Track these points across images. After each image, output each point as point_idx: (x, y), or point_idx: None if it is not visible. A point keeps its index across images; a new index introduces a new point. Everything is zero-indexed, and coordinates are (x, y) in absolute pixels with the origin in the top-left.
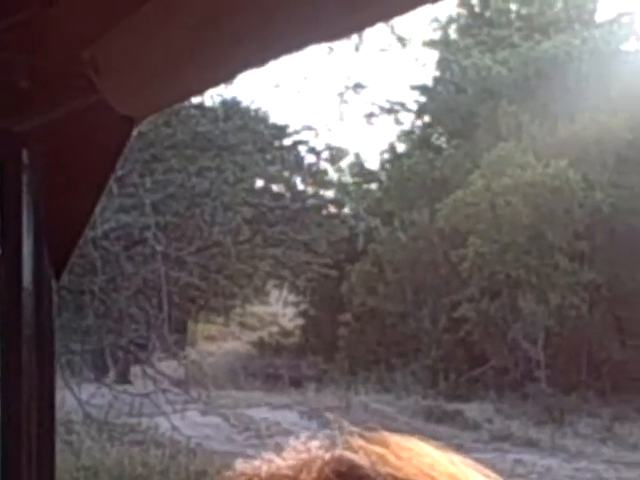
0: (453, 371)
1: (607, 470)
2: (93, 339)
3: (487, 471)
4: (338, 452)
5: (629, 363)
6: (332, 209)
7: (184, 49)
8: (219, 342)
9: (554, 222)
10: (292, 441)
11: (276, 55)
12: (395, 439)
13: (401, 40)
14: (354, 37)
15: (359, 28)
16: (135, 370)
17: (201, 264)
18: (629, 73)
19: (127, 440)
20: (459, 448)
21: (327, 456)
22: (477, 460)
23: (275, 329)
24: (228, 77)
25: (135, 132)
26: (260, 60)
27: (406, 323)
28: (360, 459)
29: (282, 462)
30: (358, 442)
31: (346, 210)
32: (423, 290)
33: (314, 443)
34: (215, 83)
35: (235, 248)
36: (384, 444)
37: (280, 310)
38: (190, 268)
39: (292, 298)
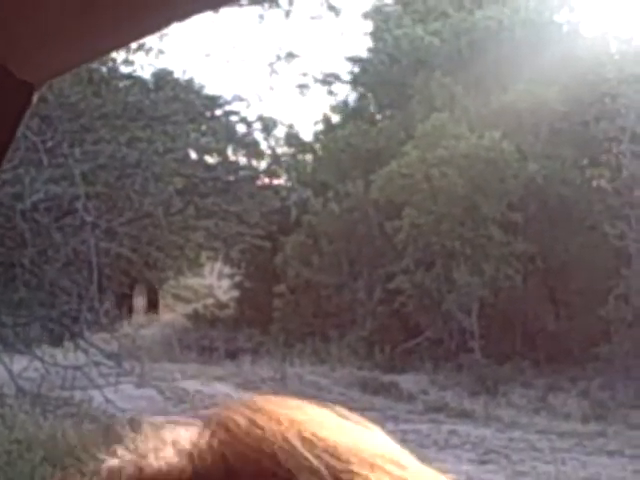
0: (388, 342)
1: (540, 440)
2: (24, 312)
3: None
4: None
5: (563, 333)
6: (265, 180)
7: (83, 11)
8: (153, 314)
9: (488, 193)
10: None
11: (182, 17)
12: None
13: (333, 9)
14: (284, 4)
15: None
16: (67, 344)
17: (132, 235)
18: (562, 44)
19: (61, 413)
20: (394, 419)
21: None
22: (412, 431)
23: (210, 301)
24: (129, 40)
25: (35, 98)
26: (165, 21)
27: (341, 295)
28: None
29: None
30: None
31: (279, 181)
32: (358, 262)
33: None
34: (115, 46)
35: (167, 219)
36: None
37: (215, 282)
38: (121, 239)
39: (227, 270)
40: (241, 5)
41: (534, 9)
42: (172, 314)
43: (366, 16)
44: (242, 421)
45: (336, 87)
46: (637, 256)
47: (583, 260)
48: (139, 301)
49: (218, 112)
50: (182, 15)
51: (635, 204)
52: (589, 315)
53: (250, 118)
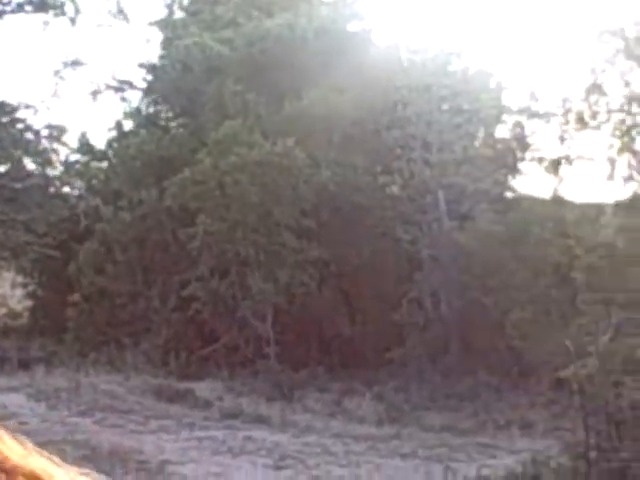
0: (184, 350)
1: (335, 444)
2: None
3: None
4: None
5: (358, 338)
6: (59, 189)
7: None
8: None
9: (281, 200)
10: None
11: None
12: None
13: (123, 15)
14: (70, 11)
15: None
16: None
17: None
18: (355, 52)
19: None
20: (190, 426)
21: None
22: (208, 438)
23: (3, 311)
24: None
25: None
26: None
27: (136, 303)
28: None
29: None
30: None
31: (69, 190)
32: (152, 269)
33: None
34: None
35: None
36: None
37: (8, 292)
38: None
39: (20, 279)
40: (26, 12)
41: (327, 17)
42: None
43: (153, 25)
44: None
45: (129, 94)
46: (428, 261)
47: (376, 265)
48: None
49: (4, 119)
50: None
51: (426, 210)
52: (383, 320)
53: (38, 126)
